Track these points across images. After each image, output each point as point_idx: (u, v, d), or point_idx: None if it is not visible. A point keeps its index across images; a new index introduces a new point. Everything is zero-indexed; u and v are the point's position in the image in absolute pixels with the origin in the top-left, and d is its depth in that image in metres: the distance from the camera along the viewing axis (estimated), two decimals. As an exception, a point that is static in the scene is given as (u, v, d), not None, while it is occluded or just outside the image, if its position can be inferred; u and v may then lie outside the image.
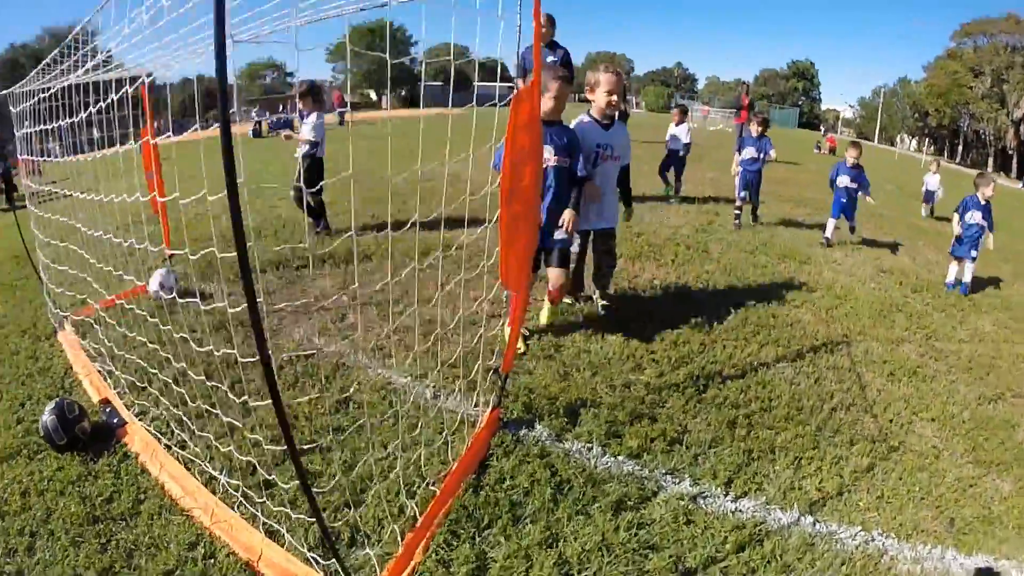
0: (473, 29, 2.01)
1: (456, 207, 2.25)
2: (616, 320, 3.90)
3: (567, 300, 4.08)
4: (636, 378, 3.25)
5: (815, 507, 2.42)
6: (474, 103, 2.10)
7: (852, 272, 5.87)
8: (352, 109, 26.50)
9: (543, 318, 3.64)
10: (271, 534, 2.07)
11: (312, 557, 1.93)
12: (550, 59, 5.81)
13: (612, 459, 2.57)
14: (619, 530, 2.15)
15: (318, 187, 5.52)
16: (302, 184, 5.63)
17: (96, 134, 3.03)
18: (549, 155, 3.16)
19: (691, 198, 8.75)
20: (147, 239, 2.85)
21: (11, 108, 4.22)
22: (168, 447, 2.54)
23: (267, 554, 2.01)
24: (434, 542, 2.05)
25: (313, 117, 5.71)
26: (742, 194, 7.30)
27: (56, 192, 4.10)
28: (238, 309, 1.29)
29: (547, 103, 3.12)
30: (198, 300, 2.26)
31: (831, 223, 6.96)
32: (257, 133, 20.11)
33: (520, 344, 3.44)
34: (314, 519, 1.63)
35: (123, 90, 2.46)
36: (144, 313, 2.91)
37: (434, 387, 3.05)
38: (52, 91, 3.26)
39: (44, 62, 3.63)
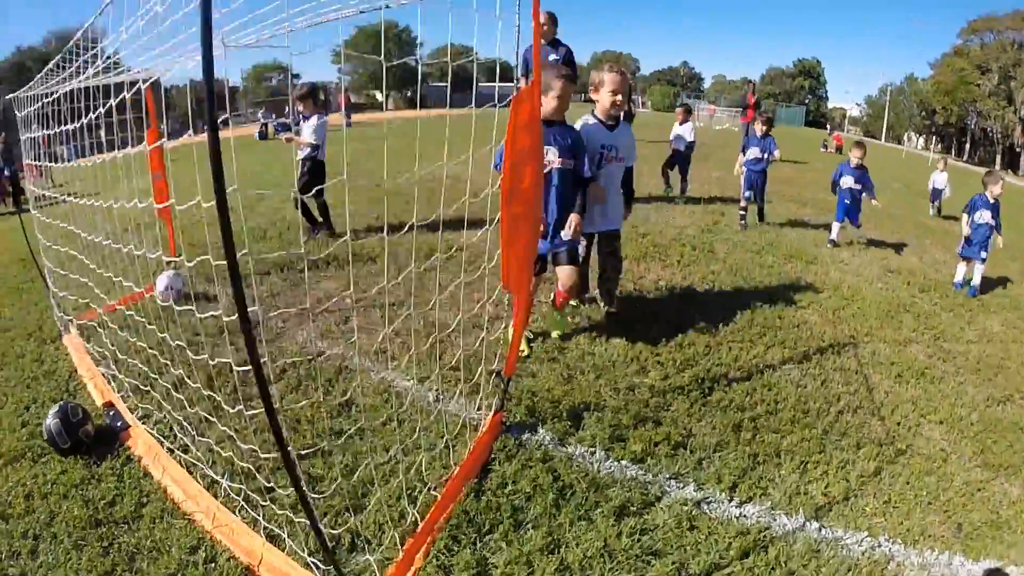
0: (480, 31, 2.00)
1: (457, 208, 2.24)
2: (621, 322, 3.88)
3: (572, 302, 4.06)
4: (640, 381, 3.23)
5: (821, 512, 2.39)
6: (473, 104, 2.09)
7: (859, 272, 5.82)
8: (358, 110, 26.58)
9: (552, 331, 3.62)
10: (272, 538, 2.07)
11: (312, 562, 1.92)
12: (552, 57, 5.79)
13: (615, 463, 2.55)
14: (622, 536, 2.13)
15: (317, 189, 5.53)
16: (299, 187, 5.65)
17: (104, 137, 3.04)
18: (553, 157, 3.13)
19: (696, 198, 8.71)
20: (151, 243, 2.86)
21: (16, 112, 4.24)
22: (171, 451, 2.54)
23: (268, 558, 2.00)
24: (435, 548, 2.04)
25: (313, 120, 5.72)
26: (747, 194, 7.27)
27: (60, 196, 4.12)
28: (235, 317, 1.28)
29: (550, 103, 3.08)
30: (193, 308, 2.25)
31: (835, 226, 6.89)
32: (263, 135, 20.18)
33: (524, 346, 3.43)
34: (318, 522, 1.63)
35: (123, 94, 2.46)
36: (146, 318, 2.92)
37: (436, 390, 3.04)
38: (56, 95, 3.27)
39: (49, 66, 3.64)
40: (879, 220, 8.51)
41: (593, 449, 2.63)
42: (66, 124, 3.14)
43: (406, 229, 2.12)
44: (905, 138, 54.78)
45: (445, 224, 2.50)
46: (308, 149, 5.69)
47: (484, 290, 3.37)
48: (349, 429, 2.63)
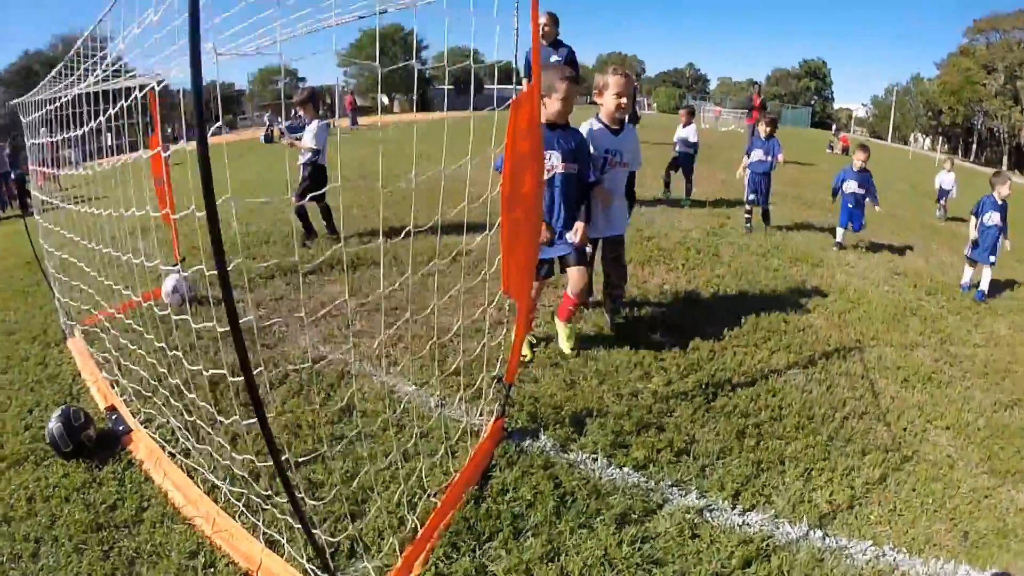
0: (480, 33, 1.99)
1: (459, 212, 2.23)
2: (624, 326, 3.86)
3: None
4: (644, 386, 3.21)
5: (825, 520, 2.36)
6: (471, 107, 2.09)
7: (865, 275, 5.78)
8: (364, 113, 26.65)
9: (564, 344, 3.49)
10: (271, 544, 2.06)
11: (311, 568, 1.91)
12: (554, 59, 5.76)
13: (617, 470, 2.53)
14: (622, 544, 2.11)
15: (319, 193, 5.55)
16: (298, 192, 5.68)
17: (109, 141, 3.05)
18: (556, 161, 3.10)
19: (702, 201, 8.68)
20: (155, 247, 2.86)
21: (22, 117, 4.27)
22: (172, 455, 2.54)
23: (266, 564, 2.00)
24: (433, 555, 2.03)
25: (314, 124, 5.73)
26: (751, 197, 7.23)
27: (66, 200, 4.13)
28: (224, 329, 1.27)
29: (554, 104, 3.05)
30: (189, 317, 2.25)
31: (840, 232, 6.83)
32: (269, 138, 20.28)
33: (526, 351, 3.41)
34: (313, 530, 1.62)
35: (127, 99, 2.47)
36: (150, 322, 2.93)
37: (438, 396, 3.03)
38: (62, 101, 3.29)
39: (55, 71, 3.66)
40: (885, 222, 8.45)
41: (595, 455, 2.61)
42: (71, 129, 3.16)
43: (403, 235, 2.11)
44: (911, 139, 54.43)
45: (450, 228, 2.49)
46: (309, 154, 5.71)
47: (486, 295, 3.36)
48: (350, 435, 2.62)
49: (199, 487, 2.36)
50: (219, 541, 2.11)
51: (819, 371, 3.58)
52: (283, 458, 1.47)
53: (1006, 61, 48.15)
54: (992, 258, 5.71)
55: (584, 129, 3.46)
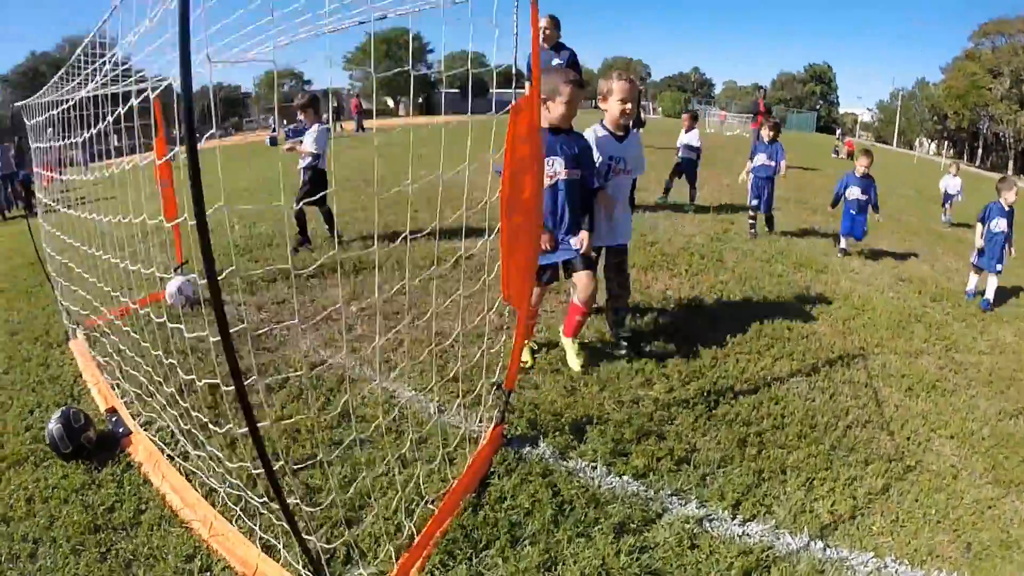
0: (483, 37, 1.98)
1: (458, 217, 2.22)
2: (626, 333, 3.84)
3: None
4: (645, 393, 3.19)
5: (826, 531, 2.34)
6: (469, 111, 2.08)
7: (870, 281, 5.74)
8: (370, 116, 26.74)
9: (573, 363, 3.38)
10: (268, 549, 2.06)
11: (306, 574, 1.90)
12: (555, 62, 5.74)
13: (616, 479, 2.51)
14: (620, 554, 2.09)
15: (320, 196, 5.56)
16: (300, 196, 5.69)
17: (114, 143, 3.06)
18: (559, 167, 3.06)
19: (706, 206, 8.64)
20: (159, 248, 2.86)
21: (26, 120, 4.29)
22: (171, 458, 2.54)
23: (262, 568, 1.99)
24: (430, 563, 2.02)
25: (315, 129, 5.74)
26: (754, 202, 7.20)
27: (67, 204, 4.15)
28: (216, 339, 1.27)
29: (558, 108, 3.00)
30: (182, 326, 2.24)
31: (843, 239, 6.80)
32: (274, 141, 20.34)
33: (527, 357, 3.40)
34: (308, 536, 1.61)
35: (129, 103, 2.47)
36: (150, 324, 2.93)
37: (438, 402, 3.01)
38: (68, 104, 3.30)
39: (59, 73, 3.68)
40: (891, 228, 8.41)
41: (594, 463, 2.59)
42: (76, 131, 3.17)
43: (400, 239, 2.11)
44: (917, 144, 54.27)
45: (451, 232, 2.48)
46: (309, 158, 5.72)
47: (486, 301, 3.35)
48: (348, 439, 2.61)
49: (197, 490, 2.36)
50: (216, 545, 2.11)
51: (822, 379, 3.56)
52: (278, 465, 1.46)
53: (1012, 65, 48.00)
54: (999, 266, 5.67)
55: (588, 136, 3.44)
